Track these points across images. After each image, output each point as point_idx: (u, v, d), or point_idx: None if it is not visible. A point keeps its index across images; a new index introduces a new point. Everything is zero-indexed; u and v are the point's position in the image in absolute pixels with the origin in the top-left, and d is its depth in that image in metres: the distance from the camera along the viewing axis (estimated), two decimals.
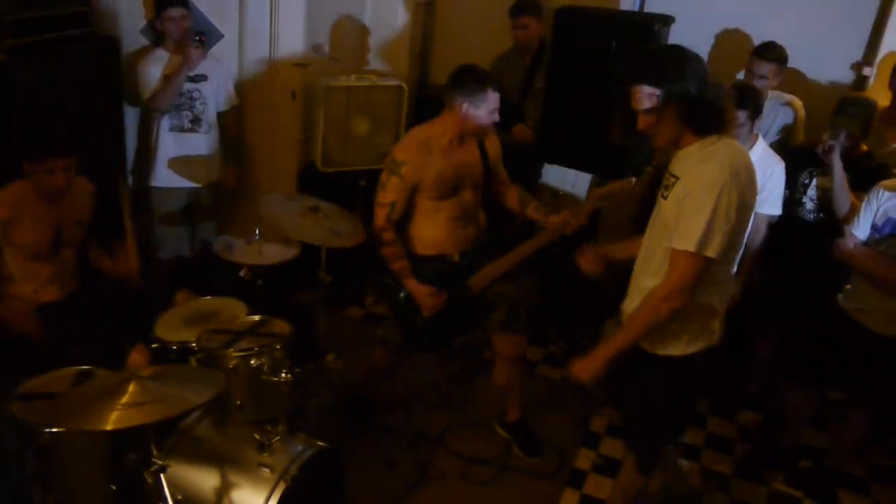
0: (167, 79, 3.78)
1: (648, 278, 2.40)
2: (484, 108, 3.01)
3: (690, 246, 2.19)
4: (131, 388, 2.13)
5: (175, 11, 3.77)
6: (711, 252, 2.19)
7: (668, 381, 2.47)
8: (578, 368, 2.43)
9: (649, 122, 2.24)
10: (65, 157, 2.90)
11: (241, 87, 4.27)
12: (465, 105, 2.98)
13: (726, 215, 2.16)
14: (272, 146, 4.50)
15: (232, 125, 4.17)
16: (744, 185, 2.20)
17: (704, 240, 2.17)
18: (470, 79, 3.00)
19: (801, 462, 3.49)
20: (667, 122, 2.21)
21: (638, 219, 4.30)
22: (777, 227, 3.41)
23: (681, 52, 2.22)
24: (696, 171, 2.21)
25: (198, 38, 3.78)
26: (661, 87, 2.16)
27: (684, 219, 2.20)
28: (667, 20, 3.74)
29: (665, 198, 2.32)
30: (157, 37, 3.99)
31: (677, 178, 2.28)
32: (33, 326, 2.94)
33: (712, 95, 2.18)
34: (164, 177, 3.98)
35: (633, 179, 3.22)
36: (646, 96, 2.19)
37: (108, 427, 1.99)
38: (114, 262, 3.24)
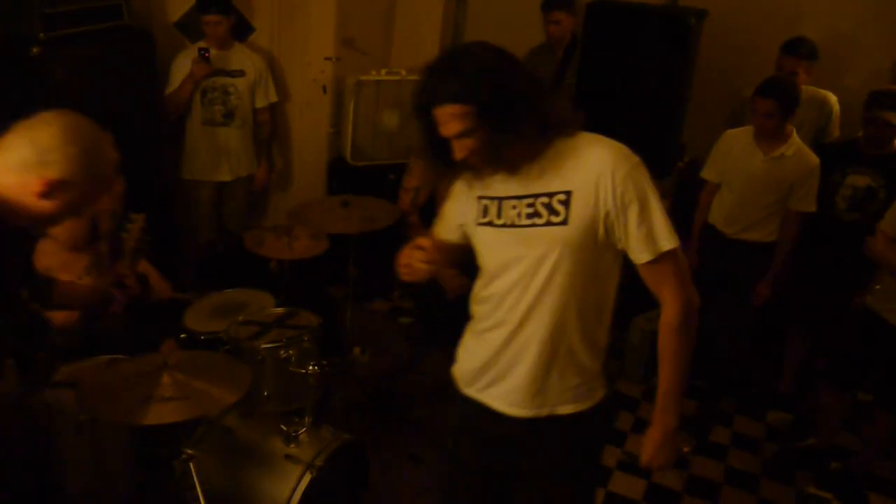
0: (179, 87, 3.84)
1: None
2: None
3: (672, 242, 1.72)
4: (164, 379, 2.16)
5: (211, 17, 3.81)
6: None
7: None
8: (654, 460, 1.94)
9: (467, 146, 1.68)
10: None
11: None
12: None
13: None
14: (302, 140, 4.53)
15: (267, 122, 4.20)
16: None
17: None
18: None
19: (831, 463, 3.44)
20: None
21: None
22: (809, 225, 3.36)
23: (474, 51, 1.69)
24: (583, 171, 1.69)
25: (204, 53, 3.80)
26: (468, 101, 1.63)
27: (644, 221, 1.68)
28: (701, 14, 3.70)
29: (558, 223, 1.69)
30: (188, 32, 4.03)
31: (567, 192, 1.69)
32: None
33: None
34: (194, 169, 4.03)
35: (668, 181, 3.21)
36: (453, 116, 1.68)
37: (141, 422, 2.02)
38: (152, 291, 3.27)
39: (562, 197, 1.69)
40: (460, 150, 1.70)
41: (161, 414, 2.06)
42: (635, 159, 1.72)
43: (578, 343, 1.78)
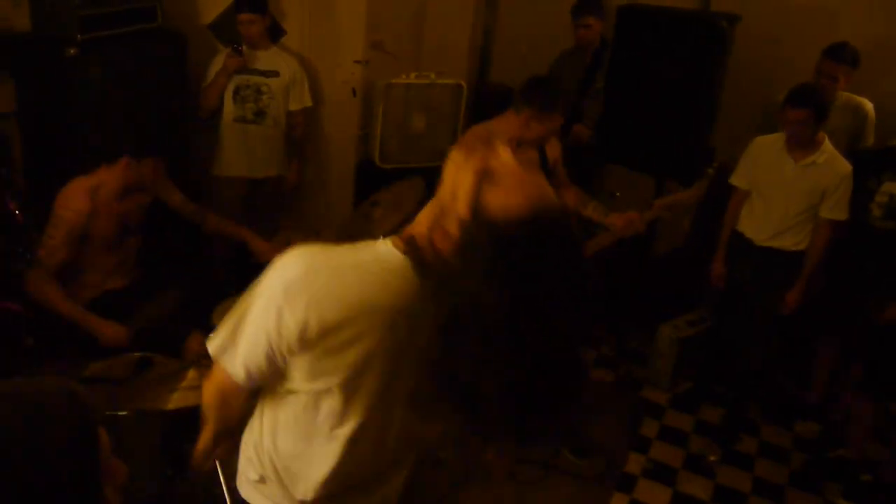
0: (213, 81, 3.91)
1: None
2: (545, 127, 2.99)
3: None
4: (191, 374, 2.20)
5: (244, 16, 3.87)
6: None
7: None
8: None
9: None
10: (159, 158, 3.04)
11: None
12: (531, 116, 2.97)
13: None
14: (331, 141, 4.55)
15: (300, 125, 4.23)
16: None
17: None
18: (543, 95, 2.96)
19: (861, 475, 3.38)
20: None
21: (695, 223, 4.24)
22: (842, 233, 3.32)
23: None
24: None
25: (236, 46, 3.86)
26: None
27: None
28: (733, 18, 3.66)
29: None
30: (221, 34, 4.09)
31: None
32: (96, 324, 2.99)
33: None
34: (223, 165, 4.09)
35: (701, 185, 3.17)
36: None
37: (168, 406, 2.05)
38: (253, 254, 3.33)
39: None
40: None
41: (185, 399, 2.08)
42: None
43: None
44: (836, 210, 3.24)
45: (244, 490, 1.65)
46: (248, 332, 1.38)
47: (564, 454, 3.41)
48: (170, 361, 2.59)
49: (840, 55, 3.57)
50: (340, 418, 1.42)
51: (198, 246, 3.72)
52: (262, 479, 1.59)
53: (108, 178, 2.97)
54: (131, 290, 3.18)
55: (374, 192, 3.45)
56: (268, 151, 4.12)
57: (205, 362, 2.27)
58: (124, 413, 2.31)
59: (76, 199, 2.89)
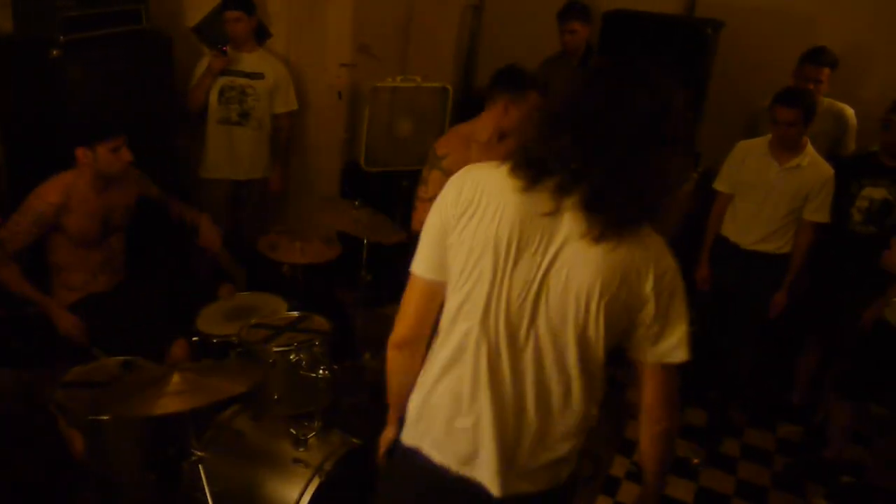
0: (198, 81, 3.91)
1: None
2: (524, 107, 2.95)
3: None
4: (174, 378, 2.19)
5: (231, 13, 3.87)
6: None
7: None
8: None
9: None
10: (121, 134, 2.96)
11: None
12: (506, 102, 2.96)
13: None
14: (317, 145, 4.55)
15: (286, 128, 4.23)
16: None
17: None
18: (514, 77, 2.97)
19: (842, 477, 3.41)
20: None
21: (681, 230, 4.26)
22: (824, 237, 3.35)
23: None
24: None
25: (221, 47, 3.86)
26: None
27: None
28: (717, 25, 3.69)
29: None
30: (205, 36, 4.08)
31: None
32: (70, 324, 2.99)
33: None
34: (209, 167, 4.09)
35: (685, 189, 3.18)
36: None
37: (152, 412, 2.04)
38: (200, 237, 3.32)
39: None
40: None
41: (169, 404, 2.07)
42: None
43: None
44: (818, 213, 3.28)
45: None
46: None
47: None
48: (153, 366, 2.57)
49: (820, 58, 3.62)
50: None
51: (183, 252, 3.70)
52: None
53: (85, 170, 2.96)
54: (116, 293, 3.16)
55: (359, 196, 3.46)
56: (252, 154, 4.11)
57: (188, 367, 2.26)
58: (106, 417, 2.30)
59: (50, 191, 2.92)
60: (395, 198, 4.27)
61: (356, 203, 3.34)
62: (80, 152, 2.92)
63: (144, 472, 2.42)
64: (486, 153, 3.07)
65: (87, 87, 3.33)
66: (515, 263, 1.52)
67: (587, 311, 1.51)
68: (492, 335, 1.56)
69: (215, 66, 3.86)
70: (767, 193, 3.33)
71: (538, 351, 1.55)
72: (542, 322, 1.54)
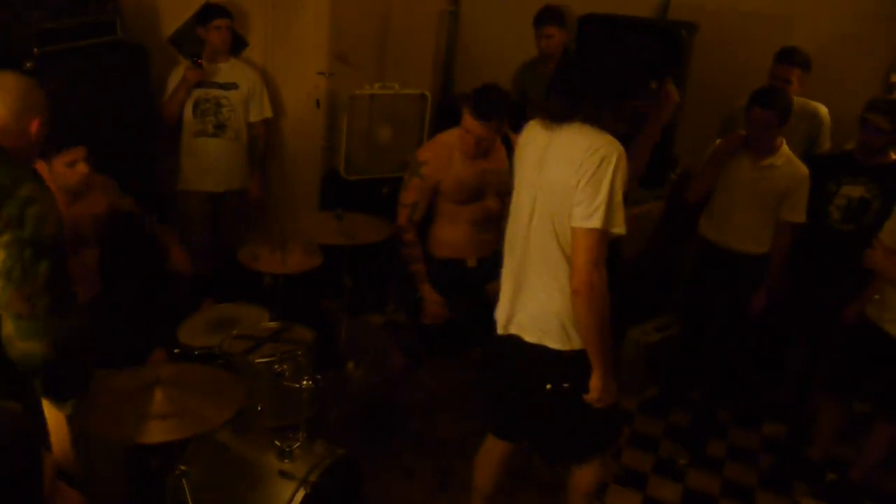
0: (172, 93, 3.88)
1: None
2: (483, 130, 3.00)
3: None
4: (158, 395, 2.15)
5: (220, 21, 3.88)
6: None
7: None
8: (599, 397, 2.32)
9: None
10: (80, 147, 2.91)
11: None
12: (468, 115, 3.00)
13: None
14: (296, 153, 4.53)
15: (261, 137, 4.22)
16: None
17: None
18: (477, 100, 2.99)
19: (828, 475, 3.44)
20: None
21: (661, 229, 4.29)
22: (804, 236, 3.37)
23: None
24: None
25: (196, 59, 3.85)
26: None
27: None
28: (692, 27, 3.72)
29: None
30: (181, 47, 4.05)
31: None
32: None
33: None
34: (186, 179, 4.07)
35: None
36: None
37: (135, 440, 2.01)
38: (170, 261, 3.27)
39: None
40: None
41: (155, 432, 2.05)
42: None
43: None
44: (794, 212, 3.30)
45: None
46: None
47: (536, 462, 3.41)
48: (135, 373, 2.53)
49: (792, 58, 3.66)
50: None
51: (163, 263, 3.67)
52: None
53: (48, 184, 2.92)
54: (92, 307, 3.12)
55: (339, 204, 3.44)
56: (230, 165, 4.09)
57: (171, 380, 2.23)
58: (87, 435, 2.26)
59: None
60: (376, 205, 4.26)
61: (338, 212, 3.32)
62: (39, 166, 2.89)
63: (127, 487, 2.40)
64: (470, 164, 3.10)
65: (61, 99, 3.28)
66: None
67: None
68: None
69: (190, 78, 3.84)
70: (743, 193, 3.35)
71: None
72: None
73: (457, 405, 3.77)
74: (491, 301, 3.17)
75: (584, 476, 2.63)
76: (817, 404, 3.45)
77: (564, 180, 2.16)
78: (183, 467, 2.30)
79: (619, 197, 2.16)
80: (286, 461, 2.52)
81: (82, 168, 2.92)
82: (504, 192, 3.23)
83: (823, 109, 3.77)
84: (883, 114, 3.20)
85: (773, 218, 3.34)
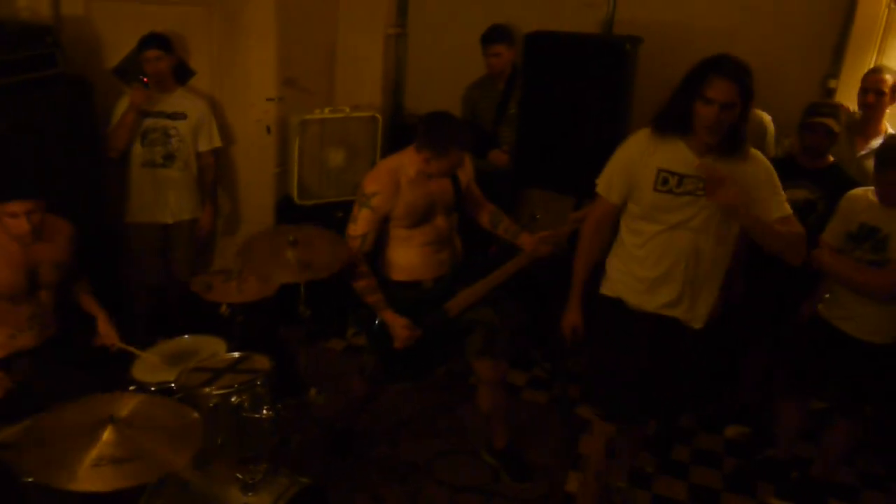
0: (120, 119, 3.80)
1: None
2: (445, 164, 3.01)
3: None
4: (108, 436, 2.07)
5: (151, 53, 3.79)
6: None
7: None
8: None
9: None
10: (28, 200, 2.80)
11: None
12: (429, 156, 2.99)
13: None
14: (248, 181, 4.49)
15: (211, 166, 4.16)
16: None
17: None
18: (436, 138, 2.98)
19: (791, 473, 3.48)
20: None
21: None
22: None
23: None
24: None
25: (143, 78, 3.77)
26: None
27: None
28: (636, 41, 3.79)
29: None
30: (126, 78, 3.98)
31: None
32: None
33: None
34: (135, 211, 3.99)
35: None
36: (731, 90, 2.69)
37: (84, 488, 1.93)
38: (98, 336, 3.16)
39: None
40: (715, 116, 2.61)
41: (107, 479, 1.96)
42: None
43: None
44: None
45: None
46: None
47: (504, 478, 3.40)
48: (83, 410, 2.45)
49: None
50: None
51: (117, 302, 3.59)
52: None
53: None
54: (46, 348, 3.03)
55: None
56: (180, 195, 4.03)
57: (120, 418, 2.16)
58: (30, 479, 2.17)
59: None
60: (330, 228, 4.23)
61: (290, 239, 3.27)
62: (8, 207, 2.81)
63: None
64: (417, 186, 3.08)
65: (2, 136, 3.22)
66: None
67: None
68: None
69: (136, 99, 3.75)
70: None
71: None
72: None
73: (421, 427, 3.75)
74: (450, 320, 3.17)
75: None
76: (777, 406, 3.49)
77: None
78: None
79: None
80: (250, 494, 2.47)
81: (23, 223, 2.82)
82: (449, 210, 3.23)
83: (767, 117, 3.86)
84: (833, 117, 3.29)
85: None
